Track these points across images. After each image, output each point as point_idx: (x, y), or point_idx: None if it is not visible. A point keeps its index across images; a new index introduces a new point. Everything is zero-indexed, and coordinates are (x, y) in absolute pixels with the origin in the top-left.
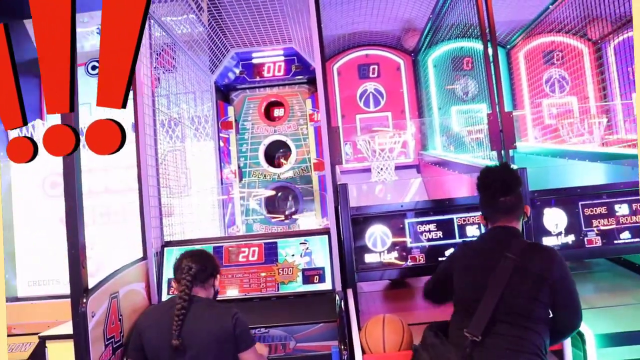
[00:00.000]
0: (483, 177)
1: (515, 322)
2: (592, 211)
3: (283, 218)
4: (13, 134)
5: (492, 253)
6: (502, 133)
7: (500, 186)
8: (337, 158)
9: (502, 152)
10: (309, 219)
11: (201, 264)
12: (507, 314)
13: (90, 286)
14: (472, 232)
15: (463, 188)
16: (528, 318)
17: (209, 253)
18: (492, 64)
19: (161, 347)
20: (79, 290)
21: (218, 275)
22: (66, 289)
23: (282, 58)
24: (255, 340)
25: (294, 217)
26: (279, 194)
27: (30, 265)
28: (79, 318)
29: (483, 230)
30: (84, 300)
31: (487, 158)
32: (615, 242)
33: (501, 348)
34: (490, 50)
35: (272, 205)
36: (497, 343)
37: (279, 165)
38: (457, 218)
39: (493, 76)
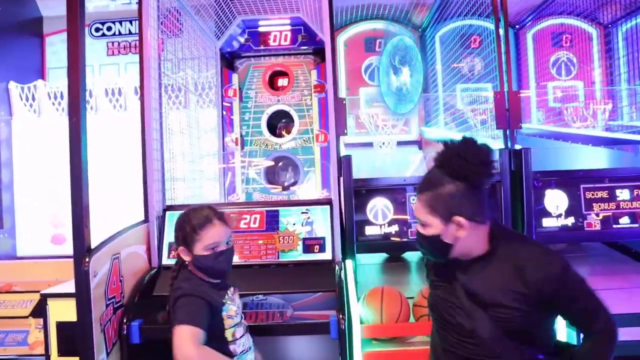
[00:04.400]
0: (470, 157)
1: None
2: (593, 195)
3: (280, 189)
4: (15, 93)
5: None
6: (508, 112)
7: (489, 169)
8: (342, 129)
9: (507, 131)
10: (308, 191)
11: (175, 229)
12: None
13: (92, 246)
14: None
15: None
16: None
17: (182, 216)
18: (502, 44)
19: None
20: (82, 249)
21: (193, 244)
22: (65, 250)
23: (289, 27)
24: (184, 320)
25: (292, 189)
26: (280, 163)
27: (30, 224)
28: (82, 277)
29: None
30: (87, 260)
31: (492, 137)
32: (615, 226)
33: None
34: (501, 31)
35: (272, 175)
36: None
37: (280, 135)
38: None
39: (503, 55)
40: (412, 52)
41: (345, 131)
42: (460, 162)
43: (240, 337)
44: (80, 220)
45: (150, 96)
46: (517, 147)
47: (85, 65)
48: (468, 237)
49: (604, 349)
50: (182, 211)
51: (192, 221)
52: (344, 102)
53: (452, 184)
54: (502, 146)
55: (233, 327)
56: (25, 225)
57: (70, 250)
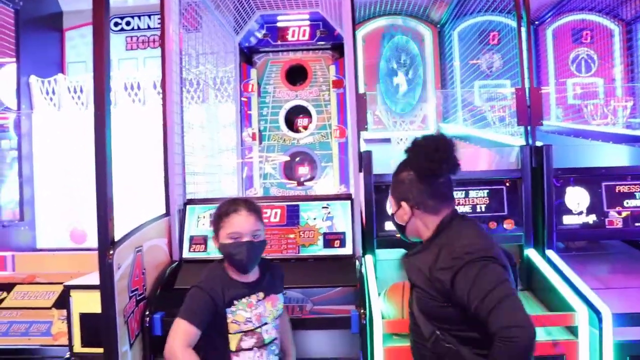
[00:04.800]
0: (421, 149)
1: None
2: (615, 192)
3: (296, 184)
4: (36, 87)
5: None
6: (529, 109)
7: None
8: (363, 125)
9: (528, 128)
10: (325, 186)
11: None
12: None
13: (116, 239)
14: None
15: (482, 162)
16: None
17: (219, 208)
18: (524, 40)
19: None
20: (106, 241)
21: (219, 232)
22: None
23: (307, 22)
24: (182, 316)
25: (309, 184)
26: (297, 159)
27: (50, 217)
28: (106, 269)
29: None
30: (111, 252)
31: (512, 134)
32: (637, 224)
33: None
34: (523, 28)
35: (289, 170)
36: None
37: (298, 131)
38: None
39: (525, 51)
40: (410, 51)
41: (366, 127)
42: (410, 153)
43: (248, 349)
44: (105, 212)
45: (171, 91)
46: (538, 143)
47: (110, 59)
48: (415, 222)
49: (494, 356)
50: (205, 205)
51: (222, 209)
52: (364, 97)
53: (405, 172)
54: (523, 143)
55: (238, 334)
56: (44, 218)
57: (89, 244)
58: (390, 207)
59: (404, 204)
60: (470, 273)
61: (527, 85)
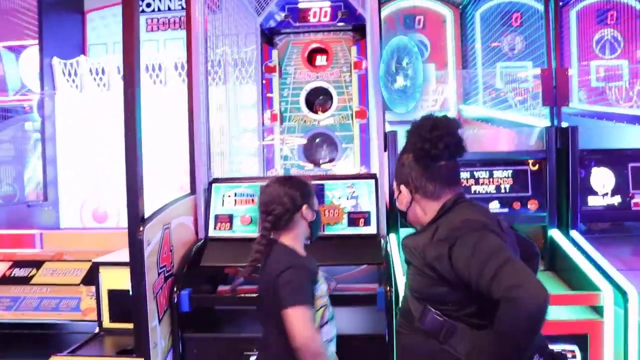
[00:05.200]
0: (419, 132)
1: None
2: None
3: (312, 166)
4: (58, 69)
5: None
6: (555, 90)
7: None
8: (387, 105)
9: (554, 109)
10: (346, 168)
11: (281, 205)
12: None
13: (145, 216)
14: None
15: (505, 143)
16: None
17: (289, 183)
18: (552, 20)
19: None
20: (136, 218)
21: (304, 206)
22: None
23: (329, 3)
24: (303, 301)
25: (328, 166)
26: (317, 140)
27: (73, 197)
28: (136, 245)
29: None
30: (141, 229)
31: (536, 115)
32: None
33: None
34: (551, 7)
35: (309, 151)
36: None
37: (318, 112)
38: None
39: (552, 32)
40: (409, 52)
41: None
42: (410, 136)
43: (326, 323)
44: (135, 190)
45: (197, 72)
46: (564, 124)
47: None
48: (415, 207)
49: (498, 322)
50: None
51: (308, 186)
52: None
53: (405, 154)
54: (547, 124)
55: (321, 308)
56: (67, 199)
57: (110, 224)
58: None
59: (403, 188)
60: (469, 242)
61: (553, 66)
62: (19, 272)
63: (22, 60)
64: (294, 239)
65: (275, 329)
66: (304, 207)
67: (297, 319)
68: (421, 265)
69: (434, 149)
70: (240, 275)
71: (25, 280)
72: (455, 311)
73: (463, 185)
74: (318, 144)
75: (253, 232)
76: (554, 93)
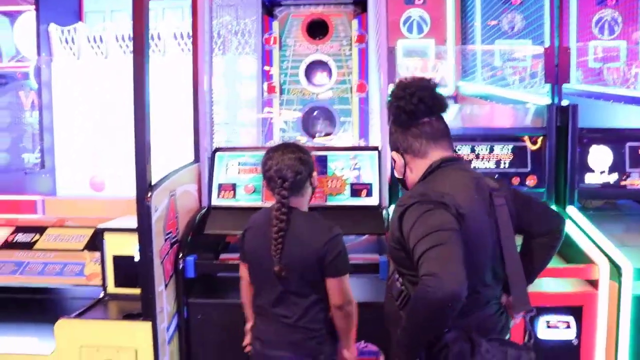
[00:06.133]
0: (400, 87)
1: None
2: (638, 153)
3: (307, 139)
4: (55, 35)
5: (482, 198)
6: (557, 68)
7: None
8: (393, 77)
9: (555, 87)
10: (343, 141)
11: (296, 171)
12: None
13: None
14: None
15: (506, 119)
16: None
17: (299, 150)
18: None
19: (257, 262)
20: (144, 185)
21: (314, 172)
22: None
23: None
24: (348, 269)
25: (322, 140)
26: (315, 113)
27: (70, 165)
28: (144, 211)
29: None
30: (149, 195)
31: (534, 94)
32: None
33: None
34: None
35: (306, 124)
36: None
37: (318, 85)
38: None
39: (556, 9)
40: None
41: (394, 78)
42: (388, 103)
43: None
44: (143, 156)
45: (202, 41)
46: (564, 102)
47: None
48: (407, 171)
49: (411, 304)
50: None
51: (309, 154)
52: (394, 51)
53: (390, 124)
54: (548, 101)
55: None
56: (64, 167)
57: (107, 193)
58: None
59: (394, 153)
60: (415, 213)
61: (556, 43)
62: (22, 238)
63: (17, 26)
64: (305, 205)
65: (312, 294)
66: (314, 173)
67: (344, 284)
68: (391, 228)
69: (408, 104)
70: (275, 255)
71: (28, 246)
72: (413, 276)
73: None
74: (316, 117)
75: (256, 201)
76: (556, 71)
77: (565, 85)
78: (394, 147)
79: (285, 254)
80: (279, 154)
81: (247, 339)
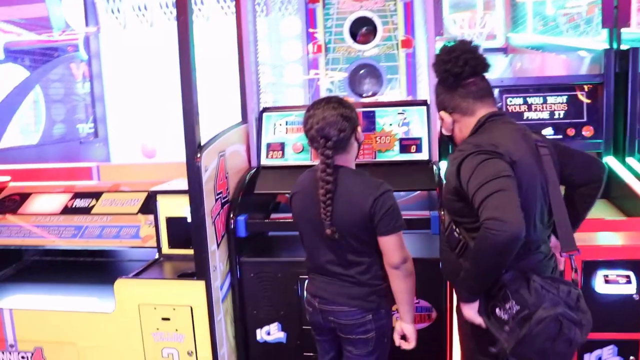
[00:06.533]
0: (445, 51)
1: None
2: None
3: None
4: (101, 6)
5: (529, 147)
6: (616, 10)
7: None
8: (439, 28)
9: (614, 31)
10: (392, 97)
11: (339, 129)
12: None
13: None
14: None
15: (559, 68)
16: None
17: (340, 105)
18: None
19: (307, 224)
20: (194, 145)
21: (359, 127)
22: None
23: None
24: (402, 225)
25: (371, 99)
26: (362, 71)
27: (121, 134)
28: (194, 171)
29: None
30: (199, 155)
31: (590, 40)
32: None
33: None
34: None
35: (353, 83)
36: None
37: (363, 42)
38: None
39: None
40: None
41: (442, 31)
42: (435, 67)
43: None
44: (191, 117)
45: (246, 1)
46: (623, 47)
47: None
48: (457, 128)
49: (475, 244)
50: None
51: (353, 107)
52: (439, 3)
53: (437, 85)
54: (605, 47)
55: None
56: (117, 136)
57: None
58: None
59: (443, 113)
60: (472, 163)
61: None
62: (80, 203)
63: None
64: (352, 162)
65: (370, 252)
66: (359, 128)
67: (399, 242)
68: (447, 181)
69: (454, 67)
70: (326, 217)
71: (86, 211)
72: (472, 223)
73: (516, 111)
74: (362, 75)
75: (305, 159)
76: (615, 14)
77: (624, 30)
78: (442, 107)
79: (335, 216)
80: (320, 111)
81: None
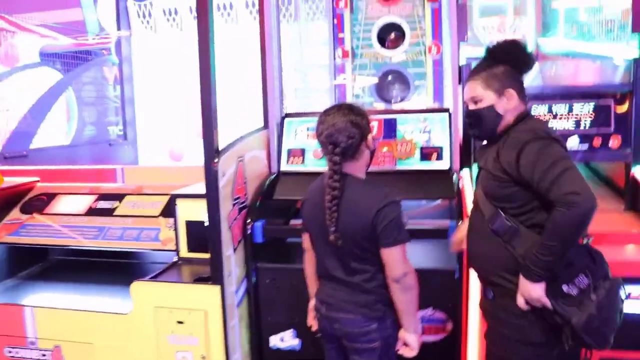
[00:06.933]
0: (523, 45)
1: None
2: None
3: (384, 105)
4: (133, 10)
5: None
6: None
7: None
8: (463, 35)
9: None
10: (418, 105)
11: (347, 135)
12: None
13: (220, 148)
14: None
15: (588, 75)
16: None
17: (351, 111)
18: None
19: (316, 230)
20: (211, 150)
21: (370, 134)
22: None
23: None
24: (404, 238)
25: (399, 106)
26: (389, 77)
27: (150, 137)
28: (212, 176)
29: None
30: (216, 160)
31: (623, 47)
32: None
33: None
34: None
35: (381, 89)
36: None
37: (392, 48)
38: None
39: None
40: None
41: (466, 37)
42: (503, 52)
43: None
44: (210, 122)
45: (269, 6)
46: None
47: None
48: (512, 110)
49: (552, 220)
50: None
51: (367, 115)
52: (465, 8)
53: (503, 66)
54: (636, 54)
55: None
56: (145, 138)
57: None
58: (478, 103)
59: (511, 90)
60: (534, 148)
61: None
62: (103, 205)
63: (100, 3)
64: (361, 170)
65: (375, 262)
66: (369, 135)
67: (400, 255)
68: (494, 168)
69: (527, 57)
70: (330, 224)
71: (109, 212)
72: (519, 207)
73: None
74: (390, 82)
75: (325, 165)
76: None
77: None
78: (509, 86)
79: (340, 223)
80: (330, 117)
81: (310, 317)
